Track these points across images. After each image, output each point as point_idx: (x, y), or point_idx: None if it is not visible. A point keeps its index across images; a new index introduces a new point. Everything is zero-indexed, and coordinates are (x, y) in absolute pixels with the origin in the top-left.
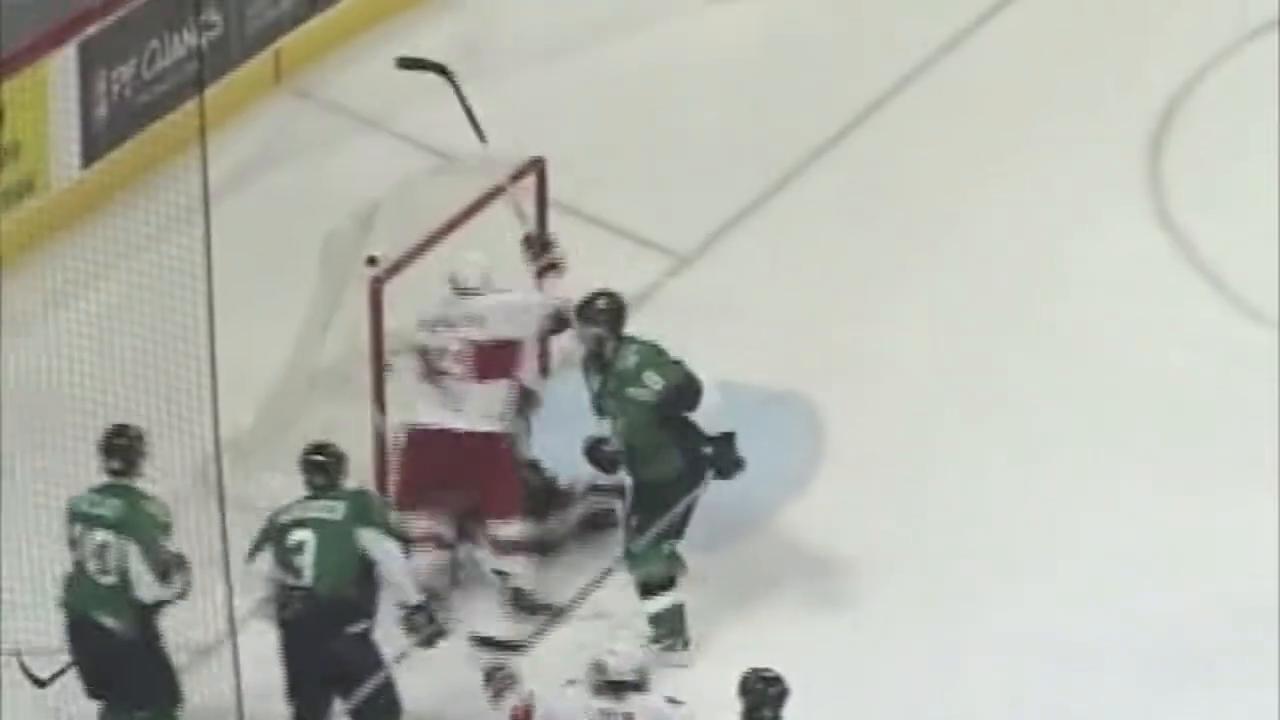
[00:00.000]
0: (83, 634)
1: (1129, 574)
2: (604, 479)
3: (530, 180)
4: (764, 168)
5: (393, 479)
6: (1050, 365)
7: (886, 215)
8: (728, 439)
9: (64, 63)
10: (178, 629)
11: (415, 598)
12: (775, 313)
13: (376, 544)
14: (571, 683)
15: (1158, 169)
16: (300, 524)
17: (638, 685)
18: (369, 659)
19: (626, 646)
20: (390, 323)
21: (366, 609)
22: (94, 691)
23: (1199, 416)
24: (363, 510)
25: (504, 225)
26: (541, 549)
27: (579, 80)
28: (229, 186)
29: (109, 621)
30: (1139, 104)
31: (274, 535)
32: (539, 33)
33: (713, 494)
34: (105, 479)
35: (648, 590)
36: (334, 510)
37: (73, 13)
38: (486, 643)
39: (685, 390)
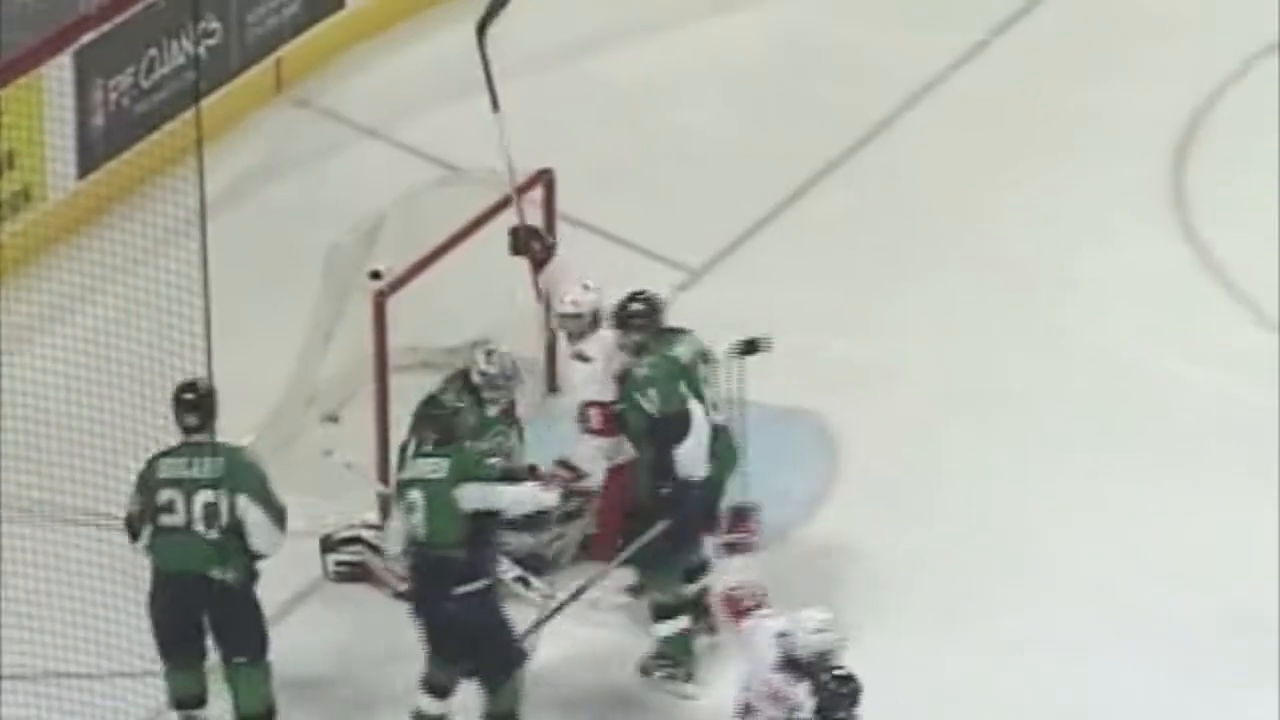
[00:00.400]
0: (187, 591)
1: (1137, 582)
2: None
3: (538, 193)
4: (776, 181)
5: (605, 532)
6: (1065, 378)
7: (899, 229)
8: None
9: (60, 71)
10: None
11: (551, 499)
12: (786, 327)
13: (483, 495)
14: (782, 636)
15: (1180, 182)
16: (412, 484)
17: (812, 670)
18: (486, 618)
19: (813, 624)
20: (394, 339)
21: (478, 569)
22: (172, 650)
23: (1212, 426)
24: (463, 467)
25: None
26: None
27: (586, 92)
28: (229, 198)
29: (221, 574)
30: (1162, 117)
31: (400, 493)
32: (544, 44)
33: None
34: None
35: (660, 614)
36: (438, 469)
37: (69, 20)
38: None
39: (673, 422)
